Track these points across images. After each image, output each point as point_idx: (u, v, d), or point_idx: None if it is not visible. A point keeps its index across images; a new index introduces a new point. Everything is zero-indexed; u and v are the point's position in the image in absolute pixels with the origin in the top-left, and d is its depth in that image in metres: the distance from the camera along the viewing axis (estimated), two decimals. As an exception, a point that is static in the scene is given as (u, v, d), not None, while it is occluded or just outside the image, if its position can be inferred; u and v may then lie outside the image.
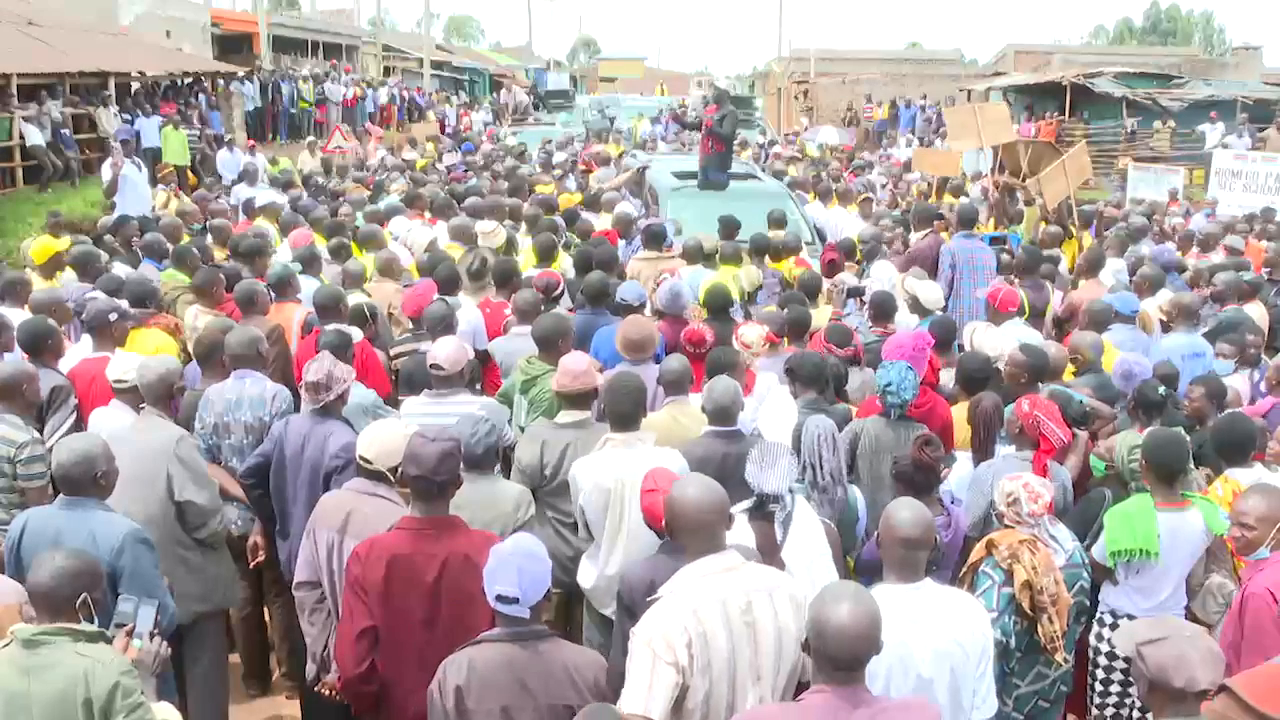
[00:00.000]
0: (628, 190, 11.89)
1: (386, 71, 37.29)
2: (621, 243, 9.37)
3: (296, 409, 5.06)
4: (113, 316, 5.75)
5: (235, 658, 5.29)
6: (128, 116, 18.40)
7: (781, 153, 19.80)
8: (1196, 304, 7.30)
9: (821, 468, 4.27)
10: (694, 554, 3.05)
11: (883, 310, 6.65)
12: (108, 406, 5.05)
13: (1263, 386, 6.18)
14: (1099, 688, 4.49)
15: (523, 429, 5.14)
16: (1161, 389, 5.24)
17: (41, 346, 5.37)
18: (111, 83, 19.40)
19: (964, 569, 3.98)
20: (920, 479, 4.21)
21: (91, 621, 3.05)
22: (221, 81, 23.21)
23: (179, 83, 22.24)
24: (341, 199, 12.03)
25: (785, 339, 6.19)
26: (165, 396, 4.73)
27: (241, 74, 24.00)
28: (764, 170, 14.60)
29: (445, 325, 5.91)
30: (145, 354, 5.29)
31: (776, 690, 3.01)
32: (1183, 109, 25.38)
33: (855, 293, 7.63)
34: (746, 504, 3.75)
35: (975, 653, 3.22)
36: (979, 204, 12.56)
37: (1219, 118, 24.65)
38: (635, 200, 11.49)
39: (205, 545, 4.54)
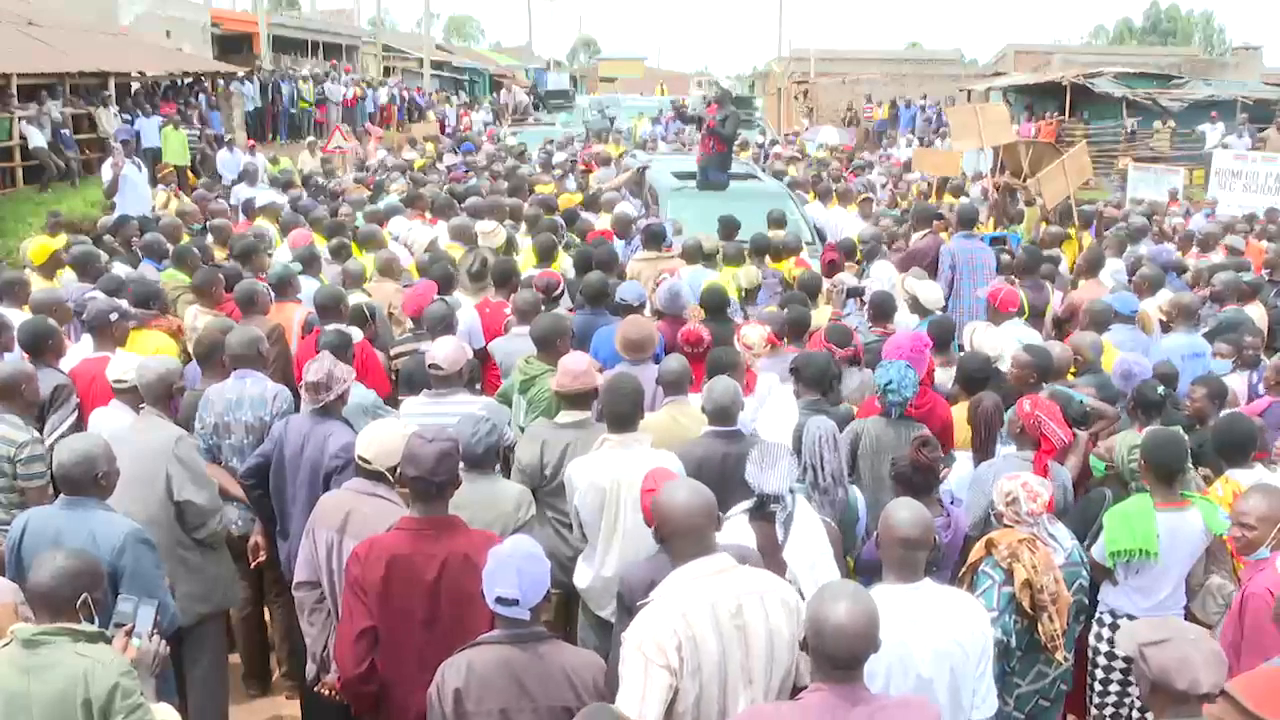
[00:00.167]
0: (628, 190, 11.89)
1: (386, 71, 37.29)
2: (620, 243, 9.37)
3: (296, 409, 5.06)
4: (113, 316, 5.75)
5: (235, 658, 5.29)
6: (128, 116, 18.41)
7: (781, 153, 19.80)
8: (1196, 304, 7.30)
9: (823, 469, 4.26)
10: (684, 557, 3.05)
11: (882, 310, 6.65)
12: (107, 407, 5.05)
13: (1260, 388, 6.18)
14: (1098, 687, 4.49)
15: (523, 429, 5.14)
16: (1161, 389, 5.24)
17: (42, 346, 5.37)
18: (111, 83, 19.40)
19: (964, 569, 3.99)
20: (919, 480, 4.21)
21: (92, 621, 3.05)
22: (221, 81, 23.22)
23: (179, 83, 22.25)
24: (341, 199, 12.04)
25: (785, 339, 6.19)
26: (164, 396, 4.72)
27: (241, 74, 24.01)
28: (764, 170, 14.60)
29: (445, 325, 5.91)
30: (145, 355, 5.29)
31: (770, 693, 3.01)
32: (1183, 109, 25.38)
33: (855, 293, 7.63)
34: (747, 504, 3.75)
35: (975, 652, 3.22)
36: (979, 204, 12.57)
37: (1219, 118, 24.64)
38: (635, 200, 11.49)
39: (205, 545, 4.54)
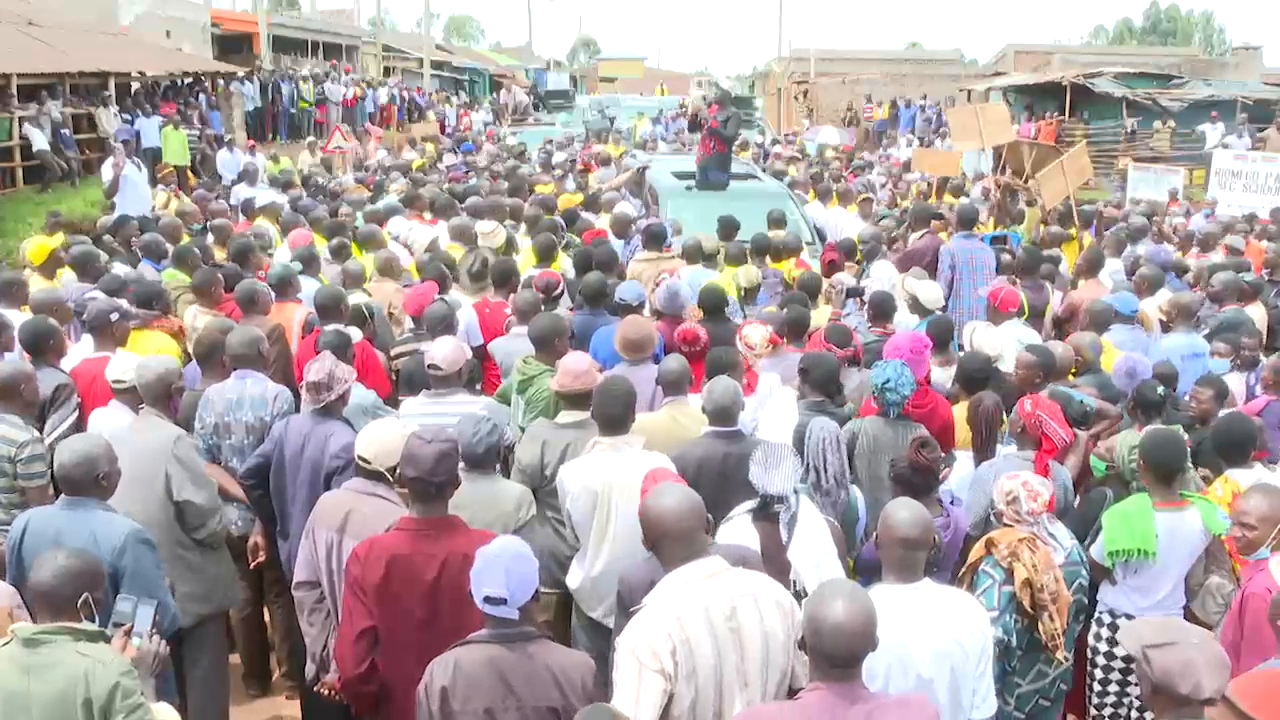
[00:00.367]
0: (628, 190, 11.89)
1: (386, 71, 37.28)
2: (619, 243, 9.36)
3: (297, 409, 5.06)
4: (113, 316, 5.75)
5: (235, 658, 5.29)
6: (128, 116, 18.41)
7: (781, 153, 19.80)
8: (1196, 304, 7.30)
9: (826, 470, 4.26)
10: (675, 562, 3.04)
11: (881, 310, 6.64)
12: (107, 407, 5.05)
13: (1258, 389, 6.18)
14: (1097, 687, 4.49)
15: (523, 429, 5.14)
16: (1160, 389, 5.24)
17: (43, 346, 5.37)
18: (111, 83, 19.41)
19: (964, 568, 3.99)
20: (918, 480, 4.21)
21: (92, 621, 3.05)
22: (221, 81, 23.22)
23: (179, 83, 22.25)
24: (341, 199, 12.04)
25: (785, 339, 6.19)
26: (164, 396, 4.72)
27: (241, 74, 24.01)
28: (764, 170, 14.60)
29: (445, 325, 5.91)
30: (147, 355, 5.29)
31: (766, 695, 3.00)
32: (1183, 109, 25.36)
33: (854, 293, 7.63)
34: (750, 505, 3.75)
35: (975, 652, 3.22)
36: (979, 204, 12.57)
37: (1220, 117, 24.64)
38: (635, 200, 11.49)
39: (205, 546, 4.54)
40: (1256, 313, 7.65)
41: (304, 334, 6.43)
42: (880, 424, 4.89)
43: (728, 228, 8.89)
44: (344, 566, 3.66)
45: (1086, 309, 7.04)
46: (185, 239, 9.13)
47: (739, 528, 3.70)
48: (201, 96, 22.21)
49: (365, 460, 3.99)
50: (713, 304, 6.61)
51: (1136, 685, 4.15)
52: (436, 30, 59.93)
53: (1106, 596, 4.48)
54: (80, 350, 5.91)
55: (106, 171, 12.10)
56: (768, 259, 8.64)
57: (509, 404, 5.55)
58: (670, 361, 5.08)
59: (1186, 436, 4.87)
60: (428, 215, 10.36)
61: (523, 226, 9.68)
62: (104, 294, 6.50)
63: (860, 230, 10.34)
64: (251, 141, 18.97)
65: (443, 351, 5.06)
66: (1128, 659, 4.26)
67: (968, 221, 9.30)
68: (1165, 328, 7.21)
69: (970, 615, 3.28)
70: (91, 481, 3.78)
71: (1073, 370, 5.96)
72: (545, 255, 8.13)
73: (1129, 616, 4.26)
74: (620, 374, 4.99)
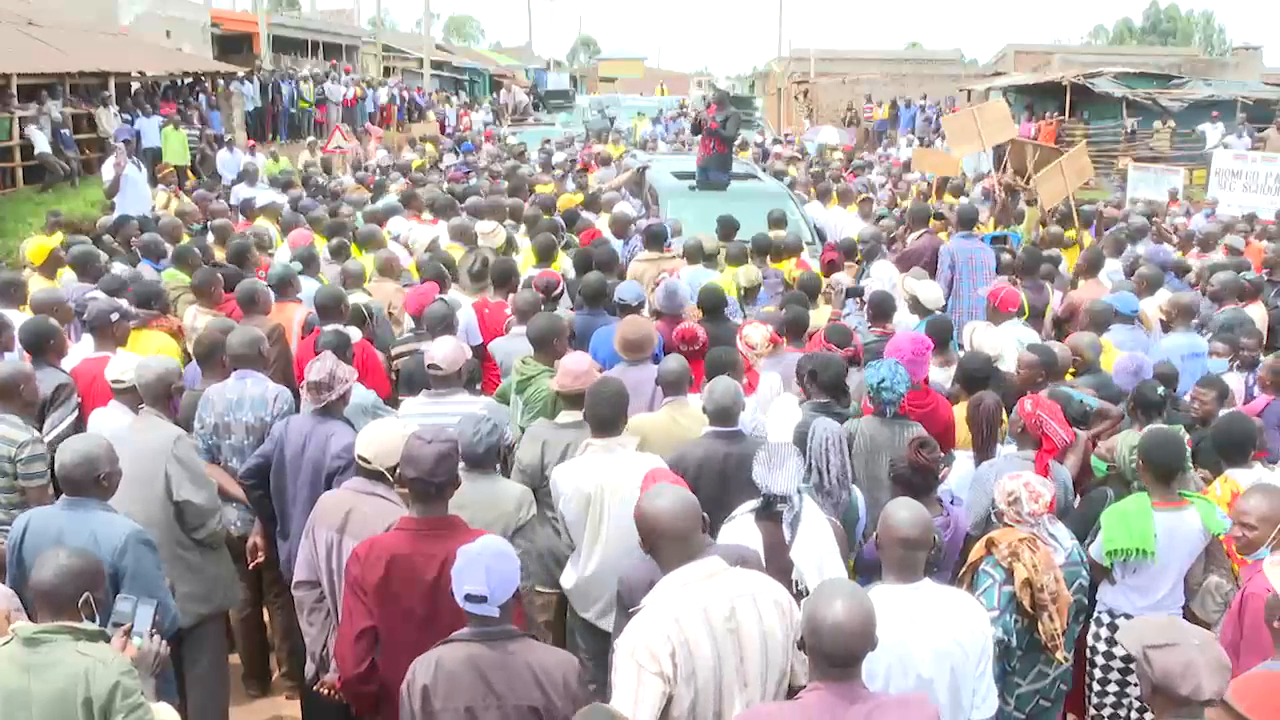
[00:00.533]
0: (628, 190, 11.90)
1: (386, 71, 37.28)
2: (618, 242, 9.37)
3: (297, 410, 5.06)
4: (114, 316, 5.75)
5: (235, 658, 5.29)
6: (128, 116, 18.41)
7: (781, 152, 19.80)
8: (1195, 303, 7.29)
9: (829, 471, 4.26)
10: (672, 563, 3.04)
11: (881, 310, 6.64)
12: (107, 407, 5.05)
13: (1256, 389, 6.18)
14: (1096, 687, 4.49)
15: (523, 429, 5.14)
16: (1160, 389, 5.24)
17: (44, 346, 5.37)
18: (111, 83, 19.40)
19: (964, 568, 3.99)
20: (918, 481, 4.20)
21: (93, 620, 3.05)
22: (221, 81, 23.22)
23: (179, 83, 22.25)
24: (341, 199, 12.04)
25: (785, 339, 6.19)
26: (164, 396, 4.72)
27: (241, 74, 24.00)
28: (764, 170, 14.60)
29: (445, 325, 5.92)
30: (146, 355, 5.29)
31: (766, 695, 3.00)
32: (1183, 109, 25.35)
33: (854, 293, 7.63)
34: (753, 505, 3.75)
35: (975, 652, 3.22)
36: (980, 204, 12.56)
37: (1220, 117, 24.63)
38: (635, 200, 11.50)
39: (205, 546, 4.53)
40: (1257, 312, 7.65)
41: (304, 334, 6.43)
42: (876, 424, 4.87)
43: (727, 228, 8.89)
44: (344, 566, 3.66)
45: (1086, 309, 7.04)
46: (185, 239, 9.13)
47: (742, 527, 3.70)
48: (201, 96, 22.21)
49: (365, 460, 3.99)
50: (712, 304, 6.61)
51: (1136, 685, 4.15)
52: (436, 30, 59.93)
53: (1106, 596, 4.48)
54: (80, 350, 5.91)
55: (108, 171, 12.10)
56: (768, 259, 8.64)
57: (509, 404, 5.55)
58: (670, 361, 5.08)
59: (1187, 436, 4.87)
60: (426, 215, 10.36)
61: (523, 226, 9.68)
62: (104, 294, 6.51)
63: (860, 230, 10.35)
64: (251, 141, 18.97)
65: (443, 351, 5.06)
66: (1127, 659, 4.26)
67: (968, 221, 9.30)
68: (1165, 328, 7.21)
69: (970, 615, 3.28)
70: (92, 482, 3.78)
71: (1072, 370, 5.96)
72: (545, 255, 8.13)
73: (1128, 616, 4.25)
74: (614, 375, 4.99)
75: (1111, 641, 4.38)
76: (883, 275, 8.35)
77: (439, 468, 3.50)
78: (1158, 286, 7.90)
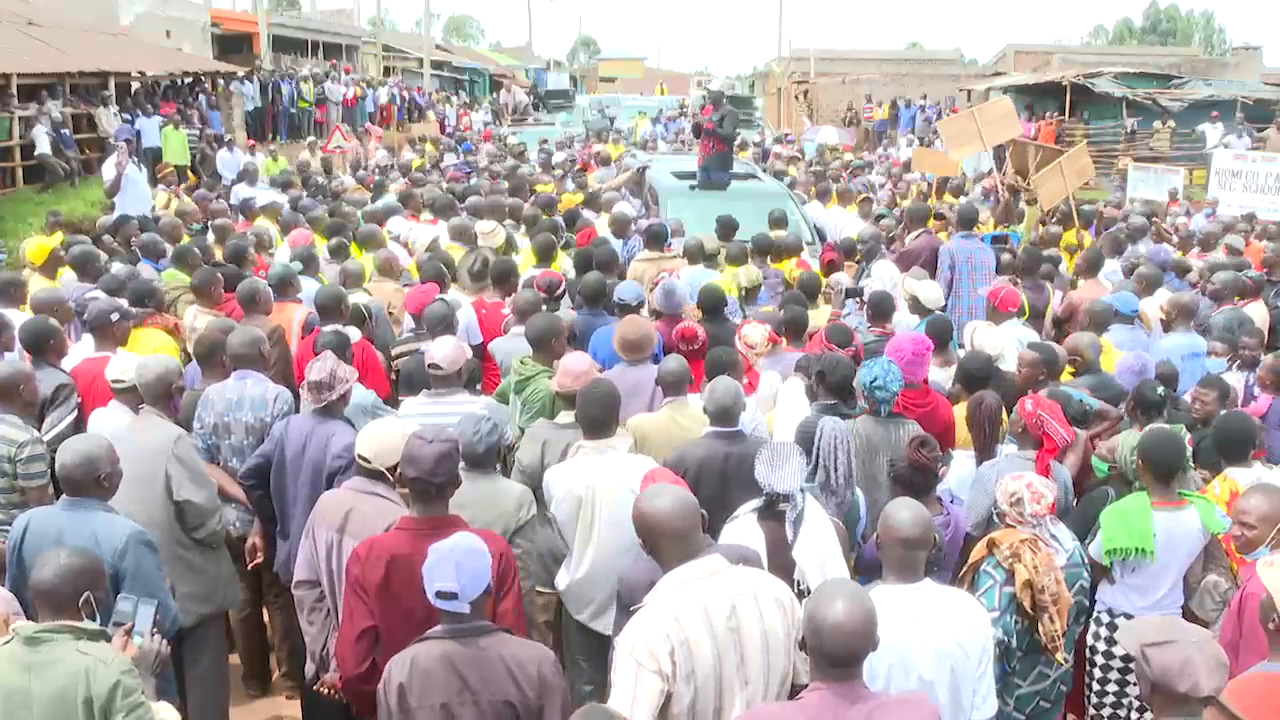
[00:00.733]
0: (628, 190, 11.90)
1: (386, 71, 37.28)
2: (618, 242, 9.37)
3: (297, 410, 5.06)
4: (114, 316, 5.75)
5: (235, 658, 5.29)
6: (128, 116, 18.41)
7: (781, 152, 19.81)
8: (1195, 303, 7.30)
9: (836, 470, 4.26)
10: (672, 563, 3.04)
11: (881, 310, 6.64)
12: (107, 407, 5.05)
13: (1256, 389, 6.18)
14: (1096, 686, 4.49)
15: (521, 429, 5.14)
16: (1160, 389, 5.24)
17: (44, 346, 5.37)
18: (111, 83, 19.40)
19: (965, 568, 3.99)
20: (918, 480, 4.20)
21: (93, 620, 3.05)
22: (221, 81, 23.23)
23: (179, 83, 22.25)
24: (341, 199, 12.05)
25: (784, 339, 6.19)
26: (164, 396, 4.72)
27: (241, 74, 24.01)
28: (764, 170, 14.61)
29: (445, 325, 5.92)
30: (144, 354, 5.29)
31: (767, 695, 3.00)
32: (1183, 109, 25.36)
33: (854, 293, 7.63)
34: (756, 504, 3.75)
35: (975, 653, 3.22)
36: (980, 204, 12.56)
37: (1220, 117, 24.63)
38: (635, 200, 11.50)
39: (205, 546, 4.54)
40: (1258, 311, 7.65)
41: (304, 334, 6.43)
42: (872, 423, 4.85)
43: (727, 228, 8.89)
44: (344, 566, 3.67)
45: (1086, 309, 7.04)
46: (185, 239, 9.14)
47: (744, 527, 3.70)
48: (201, 96, 22.21)
49: (365, 459, 3.99)
50: (712, 303, 6.61)
51: (1136, 684, 4.15)
52: (436, 30, 59.92)
53: (1105, 595, 4.48)
54: (81, 350, 5.91)
55: (108, 170, 12.10)
56: (768, 259, 8.64)
57: (509, 403, 5.55)
58: (670, 362, 5.08)
59: (1188, 436, 4.87)
60: (426, 215, 10.36)
61: (523, 227, 9.69)
62: (104, 294, 6.51)
63: (860, 230, 10.35)
64: (251, 141, 18.97)
65: (443, 351, 5.06)
66: (1126, 658, 4.26)
67: (968, 221, 9.30)
68: (1165, 327, 7.21)
69: (971, 616, 3.28)
70: (93, 482, 3.78)
71: (1071, 370, 5.96)
72: (545, 255, 8.13)
73: (1128, 615, 4.26)
74: (614, 375, 4.98)
75: (1111, 641, 4.38)
76: (882, 275, 8.35)
77: (439, 467, 3.50)
78: (1157, 286, 7.90)
